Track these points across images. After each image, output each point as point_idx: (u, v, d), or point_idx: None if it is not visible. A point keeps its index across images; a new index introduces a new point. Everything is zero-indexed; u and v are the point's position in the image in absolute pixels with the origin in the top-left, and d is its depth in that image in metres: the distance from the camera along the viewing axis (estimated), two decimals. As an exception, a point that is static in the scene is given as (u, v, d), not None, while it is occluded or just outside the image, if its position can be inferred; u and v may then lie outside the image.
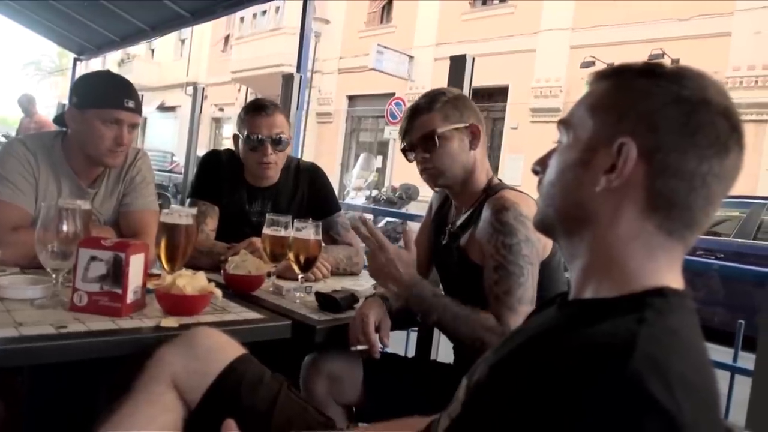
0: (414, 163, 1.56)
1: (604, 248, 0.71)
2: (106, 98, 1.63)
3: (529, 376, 0.61)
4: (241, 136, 1.95)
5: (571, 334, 0.63)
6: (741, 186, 0.75)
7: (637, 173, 0.69)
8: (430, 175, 1.54)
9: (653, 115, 0.69)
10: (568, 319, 0.71)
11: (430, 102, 1.52)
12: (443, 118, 1.50)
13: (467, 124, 1.51)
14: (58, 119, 1.78)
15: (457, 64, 2.15)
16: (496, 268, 1.33)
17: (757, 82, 10.49)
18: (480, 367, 0.76)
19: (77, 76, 6.08)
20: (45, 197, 1.63)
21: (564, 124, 0.78)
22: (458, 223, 1.55)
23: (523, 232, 1.33)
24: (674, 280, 0.70)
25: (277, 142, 1.93)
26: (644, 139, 0.68)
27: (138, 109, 1.68)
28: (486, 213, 1.40)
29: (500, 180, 1.58)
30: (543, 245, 1.39)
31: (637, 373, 0.54)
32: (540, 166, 0.81)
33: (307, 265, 1.61)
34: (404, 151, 1.57)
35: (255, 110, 1.95)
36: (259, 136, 1.91)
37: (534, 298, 1.33)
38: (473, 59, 2.14)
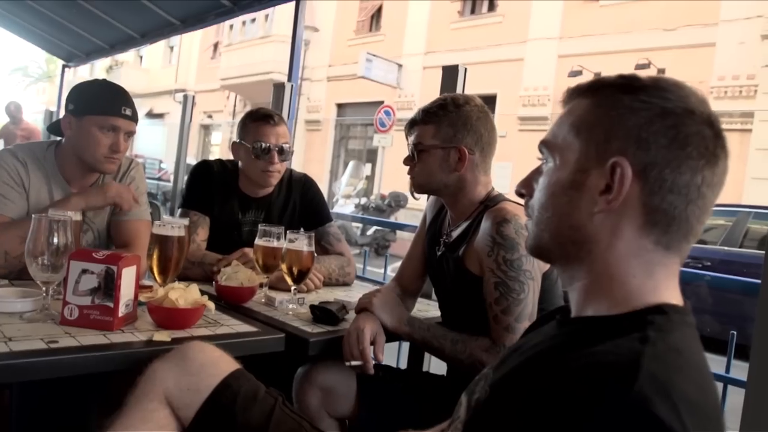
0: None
1: (604, 269, 0.71)
2: (104, 105, 1.64)
3: (533, 395, 0.61)
4: (245, 144, 1.93)
5: (573, 353, 0.63)
6: (727, 194, 0.76)
7: (632, 191, 0.68)
8: (411, 181, 1.55)
9: (641, 131, 0.68)
10: (569, 338, 0.70)
11: (437, 110, 1.48)
12: (433, 134, 1.47)
13: (455, 146, 1.46)
14: (53, 127, 1.77)
15: (450, 75, 2.14)
16: (497, 284, 1.32)
17: (741, 91, 10.65)
18: (480, 385, 0.75)
19: (66, 82, 6.08)
20: (36, 207, 1.61)
21: (547, 145, 0.76)
22: (454, 234, 1.53)
23: (524, 246, 1.32)
24: (673, 295, 0.70)
25: (282, 152, 1.93)
26: (636, 157, 0.68)
27: (134, 117, 1.69)
28: (486, 224, 1.38)
29: (499, 192, 1.55)
30: None
31: (643, 395, 0.54)
32: (525, 189, 0.79)
33: (300, 277, 1.59)
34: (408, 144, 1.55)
35: (262, 118, 1.94)
36: (266, 144, 1.90)
37: (534, 313, 1.32)
38: (465, 69, 2.13)
